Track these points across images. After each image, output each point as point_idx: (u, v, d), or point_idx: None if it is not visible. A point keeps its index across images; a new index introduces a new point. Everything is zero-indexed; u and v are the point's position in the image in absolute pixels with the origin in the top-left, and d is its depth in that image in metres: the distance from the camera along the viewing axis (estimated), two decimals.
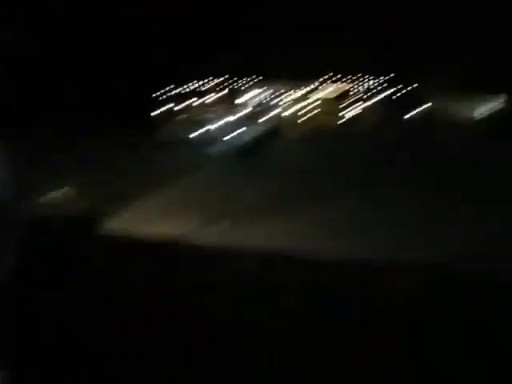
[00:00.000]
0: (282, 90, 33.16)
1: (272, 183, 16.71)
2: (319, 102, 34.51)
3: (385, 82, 35.22)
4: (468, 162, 17.67)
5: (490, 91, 27.47)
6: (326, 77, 34.86)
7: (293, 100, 33.69)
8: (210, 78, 32.60)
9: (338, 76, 35.34)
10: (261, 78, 33.21)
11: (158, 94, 29.59)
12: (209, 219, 12.91)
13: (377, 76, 35.91)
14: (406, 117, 29.75)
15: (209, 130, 24.49)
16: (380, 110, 32.79)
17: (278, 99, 32.06)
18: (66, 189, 13.87)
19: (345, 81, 35.51)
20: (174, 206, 14.48)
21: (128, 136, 24.59)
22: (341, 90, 34.36)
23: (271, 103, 32.51)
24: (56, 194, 13.28)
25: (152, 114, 27.19)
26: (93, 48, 38.42)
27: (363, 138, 24.72)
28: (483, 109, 27.85)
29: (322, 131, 28.33)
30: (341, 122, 30.32)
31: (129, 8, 36.89)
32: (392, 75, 35.02)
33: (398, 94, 33.43)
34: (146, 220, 13.12)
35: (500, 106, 27.17)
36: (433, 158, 19.19)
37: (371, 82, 35.14)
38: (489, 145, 20.87)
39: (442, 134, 24.35)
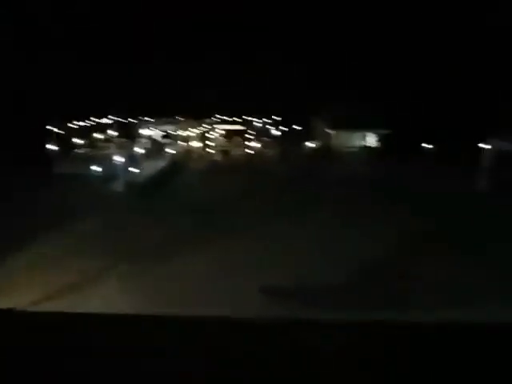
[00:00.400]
0: (184, 126, 34.40)
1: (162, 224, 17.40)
2: (221, 136, 36.71)
3: (274, 123, 39.35)
4: None
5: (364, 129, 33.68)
6: (222, 117, 37.75)
7: (196, 134, 35.32)
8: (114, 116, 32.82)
9: (233, 118, 38.72)
10: (164, 114, 34.54)
11: (58, 128, 28.81)
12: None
13: (267, 118, 39.90)
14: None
15: (109, 164, 24.30)
16: (277, 143, 36.10)
17: (181, 134, 33.12)
18: None
19: (238, 122, 38.70)
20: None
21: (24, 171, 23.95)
22: (238, 128, 37.16)
23: (173, 138, 33.50)
24: None
25: (50, 148, 26.32)
26: None
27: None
28: (361, 141, 34.17)
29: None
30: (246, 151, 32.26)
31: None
32: (279, 118, 39.53)
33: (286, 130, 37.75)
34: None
35: (374, 140, 33.81)
36: None
37: (261, 124, 38.92)
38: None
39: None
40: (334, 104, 37.43)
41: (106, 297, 9.85)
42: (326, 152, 33.00)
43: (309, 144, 35.26)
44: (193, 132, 35.32)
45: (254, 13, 54.24)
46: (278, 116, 40.48)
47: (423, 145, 30.53)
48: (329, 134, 34.86)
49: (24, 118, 31.20)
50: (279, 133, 37.55)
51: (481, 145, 27.63)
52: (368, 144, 34.30)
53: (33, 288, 9.85)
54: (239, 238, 15.18)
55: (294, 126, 38.83)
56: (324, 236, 15.47)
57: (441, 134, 31.45)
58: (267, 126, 39.17)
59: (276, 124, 39.28)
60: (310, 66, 50.98)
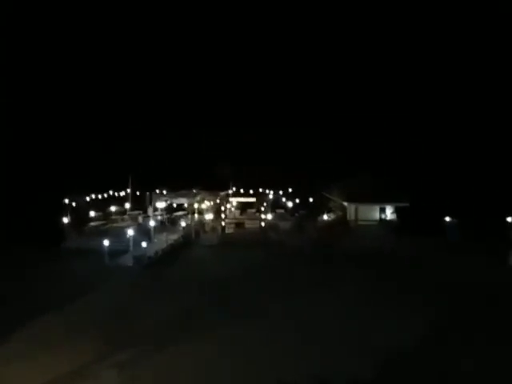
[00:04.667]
0: (196, 199, 34.44)
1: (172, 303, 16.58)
2: (235, 209, 36.56)
3: (288, 195, 39.43)
4: None
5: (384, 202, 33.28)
6: (233, 190, 38.05)
7: (210, 207, 35.26)
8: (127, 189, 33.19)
9: (247, 190, 39.22)
10: (175, 188, 34.93)
11: (69, 200, 29.10)
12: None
13: (281, 190, 40.14)
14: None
15: (121, 237, 23.97)
16: (291, 215, 35.59)
17: (195, 206, 33.02)
18: None
19: (252, 194, 38.87)
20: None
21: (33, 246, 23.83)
22: (251, 200, 37.14)
23: (187, 210, 33.39)
24: None
25: (63, 222, 26.31)
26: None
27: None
28: (378, 215, 33.50)
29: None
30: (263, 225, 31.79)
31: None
32: (291, 191, 39.83)
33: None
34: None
35: (392, 213, 33.07)
36: None
37: (274, 196, 39.02)
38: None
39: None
40: (349, 177, 37.40)
41: None
42: (342, 225, 32.22)
43: (324, 216, 34.69)
44: (207, 204, 35.31)
45: (269, 88, 57.14)
46: (291, 188, 40.58)
47: (446, 218, 29.55)
48: (344, 206, 34.37)
49: (41, 192, 31.97)
50: (292, 204, 37.27)
51: (509, 219, 26.63)
52: (385, 217, 33.51)
53: None
54: (253, 327, 14.09)
55: (309, 198, 38.65)
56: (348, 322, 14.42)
57: (464, 206, 30.62)
58: (281, 198, 39.08)
59: (290, 196, 39.18)
60: (326, 140, 52.37)
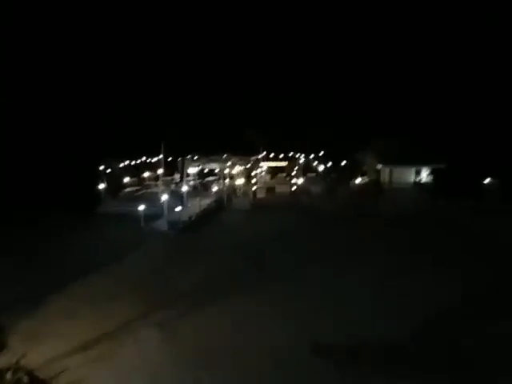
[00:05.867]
0: (228, 164, 34.44)
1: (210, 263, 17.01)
2: (266, 173, 36.44)
3: (320, 158, 38.68)
4: None
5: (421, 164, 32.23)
6: (263, 154, 37.66)
7: (241, 172, 35.27)
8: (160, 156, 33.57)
9: (278, 154, 38.68)
10: (206, 153, 34.92)
11: (104, 167, 29.71)
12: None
13: (313, 153, 39.36)
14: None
15: (155, 203, 24.53)
16: (323, 179, 35.19)
17: (226, 172, 33.12)
18: None
19: (283, 158, 38.42)
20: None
21: (71, 212, 24.89)
22: (282, 165, 36.81)
23: (219, 175, 33.60)
24: None
25: (99, 187, 27.09)
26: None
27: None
28: (413, 177, 32.58)
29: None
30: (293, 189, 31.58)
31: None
32: (323, 153, 38.97)
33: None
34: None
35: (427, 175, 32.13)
36: None
37: (305, 160, 38.37)
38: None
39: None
40: (383, 138, 36.28)
41: None
42: (375, 188, 31.57)
43: (356, 180, 34.06)
44: (238, 169, 35.30)
45: (301, 53, 55.31)
46: (323, 151, 39.74)
47: (484, 180, 28.33)
48: (378, 169, 33.50)
49: (76, 157, 32.85)
50: (324, 168, 36.66)
51: None
52: (421, 180, 32.47)
53: None
54: (288, 288, 14.32)
55: (341, 162, 37.86)
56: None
57: (504, 168, 29.19)
58: (313, 162, 38.49)
59: (321, 159, 38.50)
60: (359, 101, 50.62)
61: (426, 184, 32.02)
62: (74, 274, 15.14)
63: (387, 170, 32.51)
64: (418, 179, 32.63)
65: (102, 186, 27.20)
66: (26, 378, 8.54)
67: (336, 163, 37.77)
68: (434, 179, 32.01)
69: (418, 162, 32.19)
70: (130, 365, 9.69)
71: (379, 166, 33.13)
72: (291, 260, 17.16)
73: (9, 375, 8.52)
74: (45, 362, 9.48)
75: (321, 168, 36.68)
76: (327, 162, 37.42)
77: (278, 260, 17.25)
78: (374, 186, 32.40)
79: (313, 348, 10.11)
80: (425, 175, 32.60)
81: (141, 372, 9.38)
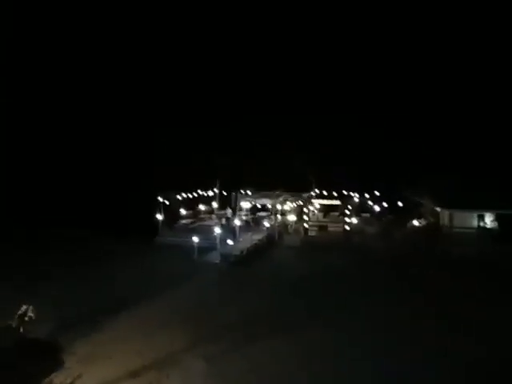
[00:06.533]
0: (279, 200, 34.71)
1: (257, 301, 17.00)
2: (319, 211, 36.16)
3: (375, 198, 37.78)
4: None
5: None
6: (316, 191, 37.52)
7: (293, 208, 35.33)
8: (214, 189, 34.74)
9: (332, 192, 38.40)
10: (258, 188, 35.57)
11: (163, 198, 31.17)
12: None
13: (367, 193, 38.57)
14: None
15: (208, 235, 25.14)
16: (378, 220, 34.24)
17: (278, 207, 33.33)
18: None
19: (336, 197, 37.97)
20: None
21: (129, 240, 26.20)
22: (335, 203, 36.32)
23: (271, 211, 33.87)
24: None
25: (157, 217, 28.32)
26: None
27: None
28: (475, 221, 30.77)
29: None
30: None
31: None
32: (379, 194, 38.05)
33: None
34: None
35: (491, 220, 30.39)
36: None
37: (360, 199, 37.67)
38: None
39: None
40: (436, 178, 34.88)
41: None
42: (434, 232, 30.06)
43: (414, 222, 32.71)
44: (290, 206, 35.37)
45: (352, 91, 55.55)
46: (379, 191, 38.73)
47: None
48: (437, 212, 32.03)
49: (138, 188, 34.75)
50: (380, 209, 35.66)
51: None
52: (485, 225, 30.51)
53: None
54: (332, 329, 13.95)
55: (397, 203, 36.65)
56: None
57: None
58: (367, 202, 37.65)
59: (377, 199, 37.51)
60: (417, 143, 49.43)
61: (491, 229, 30.04)
62: (131, 302, 15.75)
63: (447, 213, 30.98)
64: (482, 224, 30.71)
65: (159, 216, 28.40)
66: None
67: (392, 204, 36.61)
68: (500, 225, 29.95)
69: (480, 206, 30.34)
70: None
71: (438, 209, 31.70)
72: (336, 300, 16.83)
73: None
74: None
75: (376, 208, 35.75)
76: (382, 203, 36.39)
77: (324, 299, 16.96)
78: (433, 229, 30.89)
79: None
80: (489, 220, 30.63)
81: None
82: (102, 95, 49.43)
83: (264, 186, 35.30)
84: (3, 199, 30.84)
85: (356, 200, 37.71)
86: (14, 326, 10.29)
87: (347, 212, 33.31)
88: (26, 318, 10.72)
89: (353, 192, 38.86)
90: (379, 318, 14.80)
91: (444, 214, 31.47)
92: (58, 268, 20.16)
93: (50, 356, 10.13)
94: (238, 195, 34.97)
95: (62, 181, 39.91)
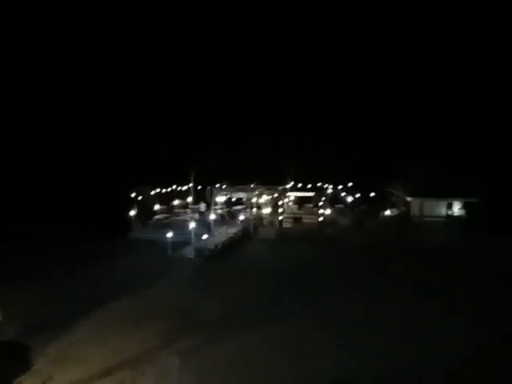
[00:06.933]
0: (255, 193, 34.78)
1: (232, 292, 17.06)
2: (293, 203, 36.49)
3: (348, 189, 38.50)
4: None
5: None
6: (291, 184, 37.82)
7: (268, 201, 35.46)
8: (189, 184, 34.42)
9: (305, 185, 38.78)
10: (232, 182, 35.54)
11: (136, 193, 30.71)
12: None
13: (340, 184, 39.23)
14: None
15: (183, 231, 24.97)
16: (350, 210, 34.83)
17: (253, 201, 33.40)
18: None
19: (310, 189, 38.41)
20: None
21: (101, 238, 25.69)
22: (309, 195, 36.74)
23: (245, 205, 33.90)
24: None
25: (130, 214, 27.88)
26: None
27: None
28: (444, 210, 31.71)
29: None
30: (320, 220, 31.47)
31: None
32: (351, 185, 38.79)
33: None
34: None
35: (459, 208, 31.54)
36: None
37: (333, 191, 38.25)
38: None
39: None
40: (412, 170, 35.67)
41: None
42: (405, 221, 30.91)
43: (386, 212, 33.48)
44: (265, 199, 35.49)
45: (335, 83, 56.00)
46: (351, 182, 39.43)
47: None
48: (408, 202, 32.91)
49: (108, 183, 34.15)
50: (352, 199, 36.29)
51: None
52: (453, 213, 31.57)
53: None
54: (302, 320, 14.22)
55: (370, 193, 37.40)
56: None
57: None
58: (340, 193, 38.24)
59: (349, 191, 38.19)
60: (388, 132, 50.37)
61: (459, 217, 31.09)
62: (103, 299, 15.56)
63: (417, 202, 31.87)
64: (450, 212, 31.75)
65: (132, 212, 27.99)
66: None
67: (364, 195, 37.35)
68: (468, 213, 31.04)
69: (449, 195, 31.39)
70: None
71: (409, 199, 32.55)
72: (309, 290, 17.14)
73: None
74: None
75: (349, 199, 36.36)
76: (355, 194, 37.06)
77: (297, 290, 17.21)
78: (404, 218, 31.73)
79: None
80: (457, 209, 31.71)
81: None
82: (92, 93, 48.21)
83: (240, 179, 35.34)
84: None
85: (330, 191, 38.23)
86: None
87: (321, 203, 33.75)
88: None
89: (327, 184, 39.40)
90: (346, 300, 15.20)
91: (414, 204, 32.35)
92: (34, 268, 19.73)
93: (19, 358, 9.90)
94: (214, 189, 34.80)
95: (38, 182, 38.74)
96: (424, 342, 12.30)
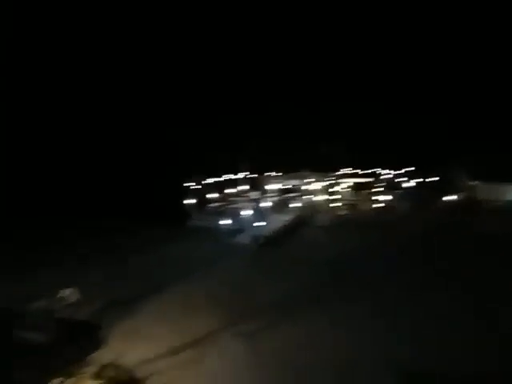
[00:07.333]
0: (309, 180, 34.38)
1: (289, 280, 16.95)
2: (348, 190, 35.62)
3: (407, 174, 36.59)
4: None
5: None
6: (345, 171, 36.70)
7: (321, 188, 34.89)
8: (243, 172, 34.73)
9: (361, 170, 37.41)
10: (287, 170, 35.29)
11: (192, 183, 31.46)
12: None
13: (399, 169, 37.40)
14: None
15: (237, 217, 25.34)
16: (410, 196, 33.36)
17: (305, 188, 33.10)
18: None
19: (366, 174, 37.05)
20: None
21: (160, 225, 26.62)
22: (366, 181, 35.57)
23: (299, 192, 33.63)
24: None
25: (185, 202, 28.67)
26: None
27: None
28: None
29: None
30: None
31: None
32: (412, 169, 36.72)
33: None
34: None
35: None
36: None
37: (391, 176, 36.60)
38: None
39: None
40: (476, 154, 33.47)
41: None
42: (470, 206, 29.01)
43: (448, 197, 31.62)
44: (319, 185, 34.95)
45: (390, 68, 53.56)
46: (411, 166, 37.45)
47: None
48: (472, 186, 30.85)
49: (165, 176, 35.20)
50: (413, 184, 34.61)
51: None
52: None
53: None
54: (361, 306, 13.82)
55: (430, 178, 35.35)
56: None
57: None
58: (400, 178, 36.59)
59: (409, 175, 36.34)
60: (449, 116, 47.30)
61: None
62: (167, 281, 16.10)
63: (484, 186, 29.84)
64: None
65: (189, 201, 28.77)
66: (123, 376, 9.19)
67: (425, 179, 35.37)
68: None
69: None
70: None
71: (474, 183, 30.54)
72: (368, 279, 16.56)
73: (108, 371, 9.24)
74: (139, 362, 10.13)
75: (409, 184, 34.70)
76: (416, 179, 35.17)
77: (354, 278, 16.77)
78: (469, 203, 29.81)
79: None
80: None
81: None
82: (131, 84, 49.56)
83: (292, 167, 35.02)
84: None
85: (387, 177, 36.80)
86: (57, 308, 10.66)
87: (378, 189, 32.65)
88: (70, 301, 11.11)
89: (384, 169, 37.85)
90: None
91: (481, 188, 30.32)
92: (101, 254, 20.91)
93: (93, 336, 10.46)
94: (266, 177, 34.88)
95: (90, 173, 40.64)
96: None
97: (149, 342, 11.23)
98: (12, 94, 38.19)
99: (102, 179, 38.63)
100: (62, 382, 8.37)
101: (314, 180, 34.52)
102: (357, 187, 35.41)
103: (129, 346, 10.97)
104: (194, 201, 29.15)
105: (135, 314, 13.28)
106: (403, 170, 37.44)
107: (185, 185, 30.63)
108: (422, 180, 35.51)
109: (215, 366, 10.25)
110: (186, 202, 28.85)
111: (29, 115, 40.81)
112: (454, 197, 32.00)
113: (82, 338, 10.38)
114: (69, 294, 11.33)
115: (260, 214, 26.76)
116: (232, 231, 23.97)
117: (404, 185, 35.29)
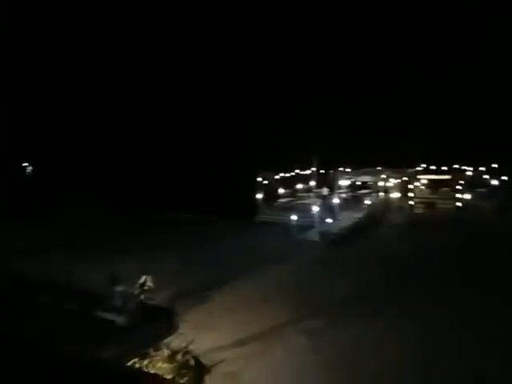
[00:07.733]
0: (382, 176, 33.16)
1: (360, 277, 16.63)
2: (425, 187, 33.72)
3: (491, 171, 33.48)
4: None
5: None
6: (423, 166, 34.57)
7: (396, 185, 33.45)
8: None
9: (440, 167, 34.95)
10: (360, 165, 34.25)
11: (262, 178, 31.99)
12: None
13: (482, 166, 34.37)
14: None
15: (307, 214, 25.29)
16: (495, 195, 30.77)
17: (380, 184, 32.00)
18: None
19: (446, 171, 34.59)
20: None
21: (230, 218, 27.38)
22: (445, 178, 33.31)
23: (372, 188, 32.61)
24: None
25: (256, 197, 29.24)
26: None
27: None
28: None
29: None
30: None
31: None
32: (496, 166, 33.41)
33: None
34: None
35: None
36: None
37: (473, 173, 33.82)
38: None
39: None
40: None
41: None
42: None
43: None
44: (393, 182, 33.55)
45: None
46: (496, 163, 34.39)
47: None
48: None
49: (235, 170, 35.93)
50: (497, 183, 31.81)
51: None
52: None
53: None
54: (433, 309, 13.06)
55: None
56: None
57: None
58: (482, 175, 33.83)
59: (493, 172, 33.42)
60: None
61: None
62: (236, 274, 16.55)
63: None
64: None
65: (259, 196, 29.26)
66: (192, 361, 9.73)
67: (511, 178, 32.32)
68: None
69: None
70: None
71: None
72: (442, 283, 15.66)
73: (179, 356, 9.84)
74: (207, 350, 10.66)
75: (493, 182, 32.00)
76: (501, 176, 32.30)
77: (427, 280, 15.99)
78: None
79: None
80: None
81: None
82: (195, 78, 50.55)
83: (365, 162, 34.02)
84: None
85: (469, 174, 34.22)
86: (136, 293, 11.51)
87: (459, 187, 30.49)
88: (146, 287, 11.95)
89: (465, 165, 35.24)
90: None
91: None
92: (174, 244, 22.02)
93: (167, 321, 11.18)
94: (337, 173, 34.31)
95: (161, 169, 42.47)
96: None
97: (217, 332, 11.74)
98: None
99: (176, 174, 40.34)
100: (134, 362, 9.08)
101: (388, 176, 33.26)
102: (435, 184, 33.41)
103: (199, 334, 11.55)
104: (263, 196, 29.62)
105: (207, 302, 13.93)
106: (487, 167, 34.55)
107: (255, 179, 31.19)
108: (508, 178, 32.46)
109: (279, 360, 10.44)
110: (256, 196, 29.39)
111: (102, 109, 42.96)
112: None
113: (158, 322, 11.13)
114: (147, 279, 12.14)
115: (330, 210, 26.44)
116: (301, 227, 23.90)
117: (489, 182, 32.59)
